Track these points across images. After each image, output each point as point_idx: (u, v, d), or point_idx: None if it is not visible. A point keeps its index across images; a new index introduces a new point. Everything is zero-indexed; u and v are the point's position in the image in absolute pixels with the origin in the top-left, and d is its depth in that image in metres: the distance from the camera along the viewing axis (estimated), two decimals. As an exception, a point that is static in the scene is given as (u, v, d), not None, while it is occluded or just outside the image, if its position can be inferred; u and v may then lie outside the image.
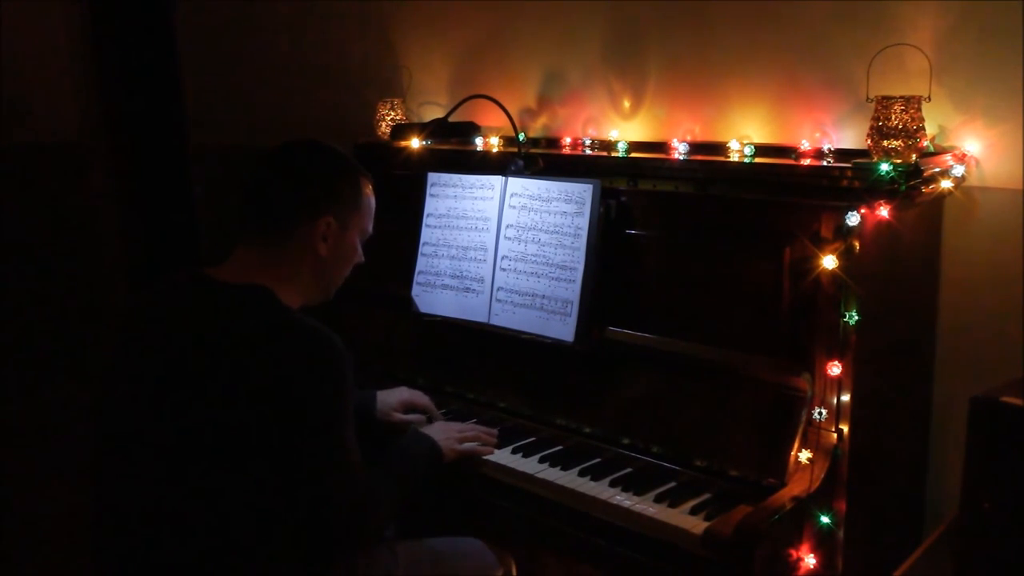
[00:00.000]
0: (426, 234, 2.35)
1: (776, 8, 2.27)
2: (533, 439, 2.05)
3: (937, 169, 1.92)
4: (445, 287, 2.29)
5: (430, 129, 2.60)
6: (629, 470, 1.89)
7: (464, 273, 2.26)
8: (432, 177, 2.37)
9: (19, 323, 4.23)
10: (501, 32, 2.86)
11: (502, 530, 1.97)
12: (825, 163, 2.01)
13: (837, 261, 1.71)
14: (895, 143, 1.83)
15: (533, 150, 2.40)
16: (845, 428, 1.74)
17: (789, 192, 1.91)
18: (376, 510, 1.63)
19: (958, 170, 1.98)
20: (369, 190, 1.80)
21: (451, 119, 2.53)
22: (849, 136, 2.17)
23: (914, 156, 1.84)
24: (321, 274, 1.73)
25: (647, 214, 2.06)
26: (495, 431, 2.04)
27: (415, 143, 2.55)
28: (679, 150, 2.23)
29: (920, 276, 2.07)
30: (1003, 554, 1.46)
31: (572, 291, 2.05)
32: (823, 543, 1.72)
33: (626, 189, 2.11)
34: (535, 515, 1.88)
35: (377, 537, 1.73)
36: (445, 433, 1.93)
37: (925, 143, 1.88)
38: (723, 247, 1.92)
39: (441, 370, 2.31)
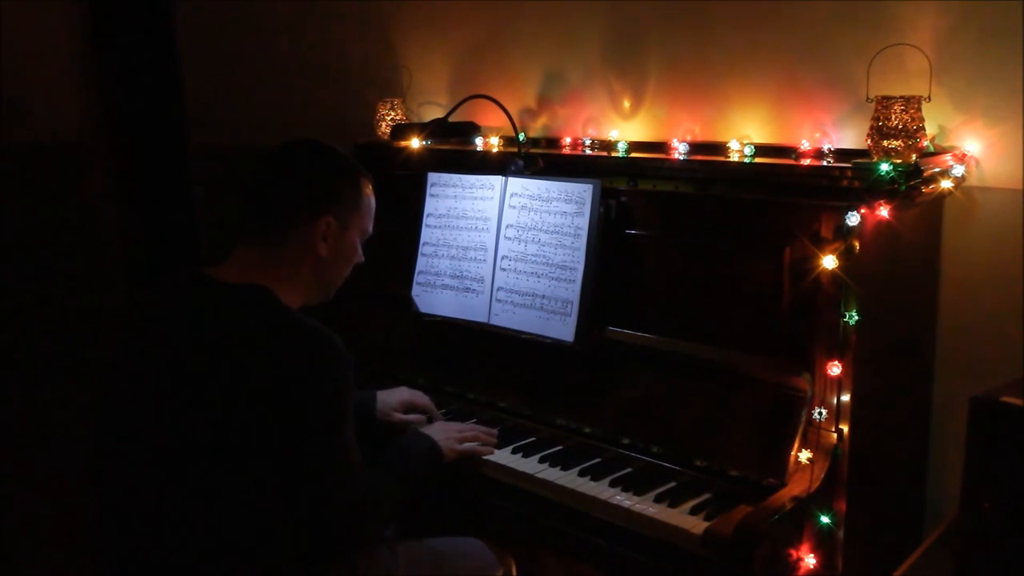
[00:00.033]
0: (426, 234, 2.35)
1: (776, 8, 2.27)
2: (533, 439, 2.05)
3: (937, 169, 1.92)
4: (445, 287, 2.29)
5: (430, 129, 2.60)
6: (629, 470, 1.89)
7: (464, 273, 2.26)
8: (432, 177, 2.37)
9: (19, 323, 4.23)
10: (501, 32, 2.86)
11: (502, 530, 1.97)
12: (825, 163, 2.01)
13: (837, 261, 1.71)
14: (895, 143, 1.83)
15: (533, 150, 2.40)
16: (845, 428, 1.74)
17: (789, 192, 1.91)
18: (376, 510, 1.63)
19: (958, 170, 1.98)
20: (369, 190, 1.80)
21: (451, 119, 2.53)
22: (849, 136, 2.17)
23: (914, 156, 1.84)
24: (321, 274, 1.73)
25: (647, 214, 2.05)
26: (495, 431, 2.04)
27: (415, 143, 2.55)
28: (679, 150, 2.23)
29: (920, 276, 2.07)
30: (1003, 554, 1.46)
31: (572, 291, 2.05)
32: (823, 543, 1.72)
33: (626, 189, 2.11)
34: (535, 515, 1.88)
35: (377, 537, 1.73)
36: (445, 433, 1.93)
37: (925, 143, 1.88)
38: (723, 247, 1.92)
39: (441, 370, 2.31)
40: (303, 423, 1.50)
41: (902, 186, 1.79)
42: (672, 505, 1.74)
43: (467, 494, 1.99)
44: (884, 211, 1.75)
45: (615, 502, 1.76)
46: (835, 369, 1.73)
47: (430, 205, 2.36)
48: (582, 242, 2.05)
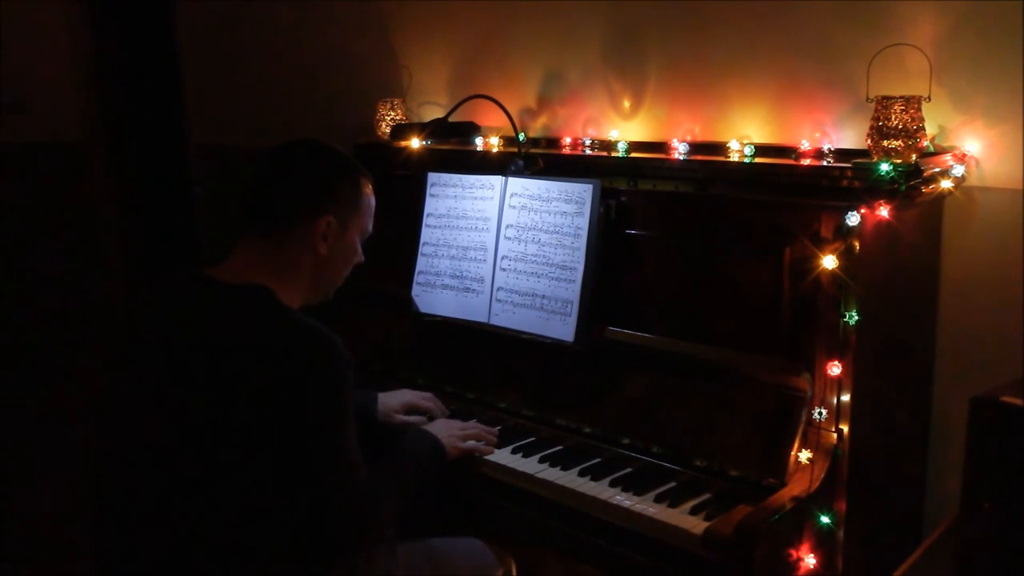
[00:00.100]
0: (426, 234, 2.35)
1: (776, 8, 2.27)
2: (533, 439, 2.05)
3: (937, 169, 1.92)
4: (445, 287, 2.29)
5: (430, 129, 2.60)
6: (629, 470, 1.89)
7: (464, 273, 2.26)
8: (432, 177, 2.37)
9: (19, 323, 4.23)
10: (501, 32, 2.86)
11: (502, 530, 1.97)
12: (825, 163, 2.01)
13: (837, 261, 1.71)
14: (895, 143, 1.83)
15: (533, 150, 2.40)
16: (845, 428, 1.74)
17: (789, 192, 1.91)
18: (377, 510, 1.62)
19: (958, 170, 1.98)
20: (369, 190, 1.80)
21: (451, 119, 2.53)
22: (849, 136, 2.17)
23: (914, 156, 1.84)
24: (321, 274, 1.73)
25: (647, 214, 2.05)
26: (495, 430, 2.04)
27: (415, 143, 2.55)
28: (679, 150, 2.23)
29: (920, 276, 2.07)
30: (1003, 554, 1.46)
31: (572, 291, 2.05)
32: (823, 543, 1.72)
33: (626, 189, 2.11)
34: (535, 515, 1.88)
35: (379, 537, 1.73)
36: (448, 430, 1.93)
37: (925, 143, 1.88)
38: (723, 247, 1.92)
39: (441, 370, 2.31)
40: (303, 423, 1.50)
41: (902, 186, 1.79)
42: (672, 505, 1.74)
43: (467, 494, 1.99)
44: (884, 211, 1.75)
45: (615, 502, 1.76)
46: (835, 369, 1.73)
47: (430, 205, 2.36)
48: (582, 242, 2.05)
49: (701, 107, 2.44)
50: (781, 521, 1.61)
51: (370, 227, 1.82)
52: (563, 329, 2.05)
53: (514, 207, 2.20)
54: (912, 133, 1.83)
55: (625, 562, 1.74)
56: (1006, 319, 1.99)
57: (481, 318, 2.22)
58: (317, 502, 1.52)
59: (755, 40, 2.31)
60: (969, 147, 2.02)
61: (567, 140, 2.58)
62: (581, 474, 1.88)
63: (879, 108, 1.85)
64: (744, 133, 2.34)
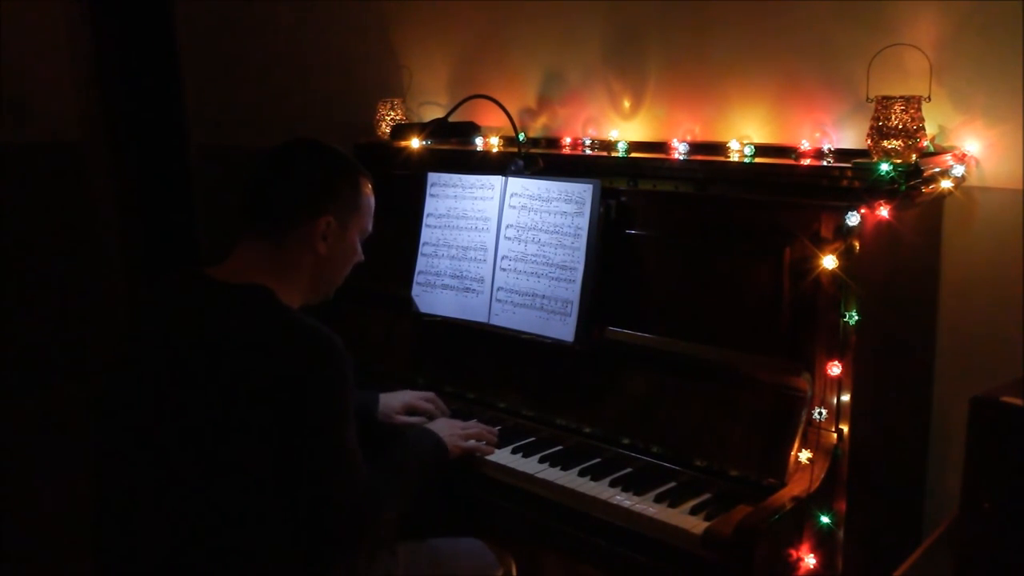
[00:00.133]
0: (426, 234, 2.35)
1: (776, 8, 2.27)
2: (533, 439, 2.05)
3: (937, 169, 1.92)
4: (445, 287, 2.29)
5: (430, 129, 2.60)
6: (629, 470, 1.89)
7: (464, 273, 2.26)
8: (432, 177, 2.37)
9: (19, 323, 4.23)
10: (501, 32, 2.86)
11: (502, 530, 1.97)
12: (825, 163, 2.01)
13: (837, 261, 1.71)
14: (895, 143, 1.83)
15: (533, 150, 2.40)
16: (845, 428, 1.74)
17: (789, 192, 1.91)
18: (378, 509, 1.62)
19: (958, 170, 1.98)
20: (369, 190, 1.80)
21: (451, 119, 2.53)
22: (849, 136, 2.17)
23: (914, 156, 1.84)
24: (321, 273, 1.73)
25: (647, 214, 2.05)
26: (495, 430, 2.04)
27: (415, 143, 2.55)
28: (679, 150, 2.23)
29: (920, 276, 2.07)
30: (1003, 554, 1.46)
31: (572, 291, 2.05)
32: (823, 543, 1.72)
33: (626, 189, 2.11)
34: (535, 515, 1.88)
35: (381, 536, 1.73)
36: (450, 429, 1.93)
37: (925, 143, 1.88)
38: (723, 247, 1.92)
39: (441, 370, 2.31)
40: (303, 422, 1.50)
41: (902, 186, 1.79)
42: (672, 505, 1.74)
43: (467, 494, 1.99)
44: (884, 211, 1.75)
45: (615, 502, 1.76)
46: (835, 369, 1.73)
47: (430, 205, 2.36)
48: (582, 242, 2.05)
49: (701, 107, 2.44)
50: (781, 521, 1.61)
51: (370, 227, 1.82)
52: (563, 329, 2.05)
53: (514, 207, 2.20)
54: (912, 133, 1.83)
55: (625, 562, 1.74)
56: (1006, 319, 1.99)
57: (481, 318, 2.22)
58: (318, 502, 1.52)
59: (755, 40, 2.31)
60: (969, 147, 2.02)
61: (567, 140, 2.58)
62: (581, 474, 1.88)
63: (879, 108, 1.85)
64: (744, 133, 2.34)
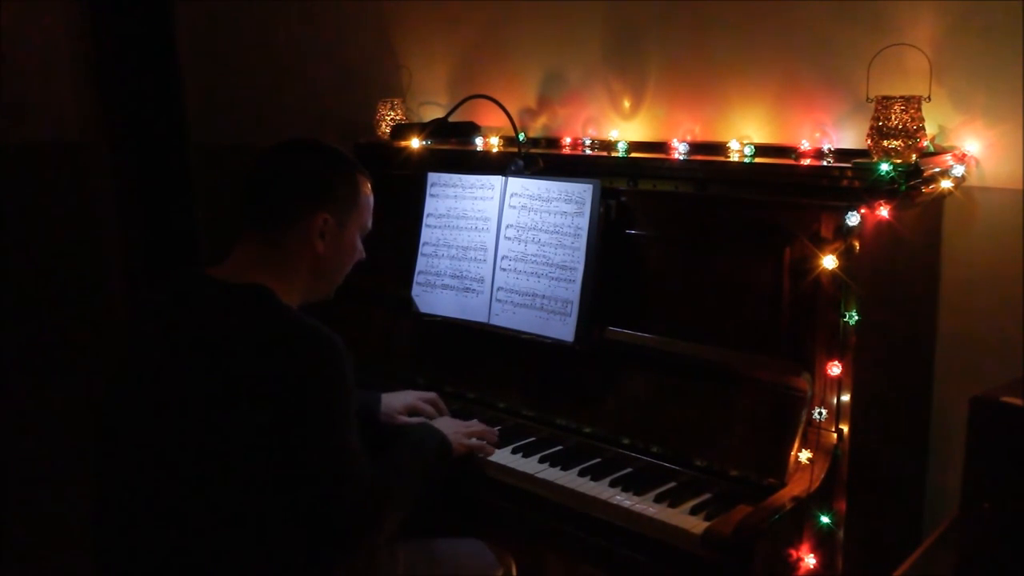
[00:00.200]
0: (426, 234, 2.35)
1: (776, 8, 2.27)
2: (533, 439, 2.05)
3: (937, 169, 1.92)
4: (445, 287, 2.29)
5: (430, 129, 2.60)
6: (629, 470, 1.89)
7: (464, 273, 2.26)
8: (432, 177, 2.37)
9: (19, 323, 4.23)
10: (501, 32, 2.86)
11: (502, 530, 1.97)
12: (825, 163, 2.00)
13: (837, 261, 1.71)
14: (895, 143, 1.83)
15: (533, 150, 2.40)
16: (845, 428, 1.74)
17: (789, 192, 1.91)
18: (382, 507, 1.61)
19: (958, 170, 1.98)
20: (367, 187, 1.80)
21: (451, 119, 2.53)
22: (849, 136, 2.17)
23: (914, 156, 1.84)
24: (320, 272, 1.73)
25: (647, 214, 2.05)
26: (496, 430, 2.04)
27: (415, 143, 2.55)
28: (679, 150, 2.23)
29: (920, 276, 2.07)
30: (1003, 554, 1.46)
31: (572, 291, 2.05)
32: (823, 543, 1.72)
33: (626, 189, 2.11)
34: (535, 515, 1.88)
35: (385, 534, 1.70)
36: (453, 427, 1.93)
37: (925, 143, 1.88)
38: (723, 247, 1.92)
39: (441, 370, 2.31)
40: (304, 422, 1.50)
41: (902, 186, 1.79)
42: (672, 505, 1.74)
43: (467, 494, 1.99)
44: (884, 211, 1.75)
45: (615, 502, 1.76)
46: (835, 369, 1.73)
47: (430, 205, 2.36)
48: (582, 242, 2.05)
49: (701, 107, 2.44)
50: (781, 521, 1.61)
51: (369, 224, 1.82)
52: (563, 329, 2.05)
53: (514, 207, 2.19)
54: (912, 133, 1.83)
55: (625, 562, 1.74)
56: (1006, 319, 1.99)
57: (481, 318, 2.22)
58: (321, 502, 1.52)
59: (755, 40, 2.31)
60: (969, 147, 2.02)
61: (567, 140, 2.58)
62: (581, 474, 1.88)
63: (879, 108, 1.85)
64: (744, 133, 2.34)
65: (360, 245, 1.80)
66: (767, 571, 1.60)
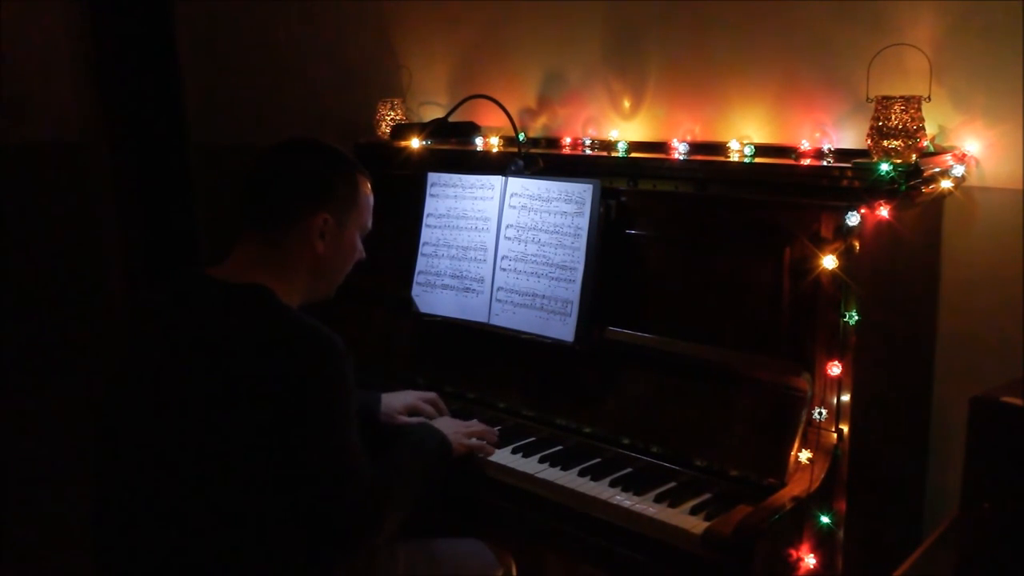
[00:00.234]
0: (426, 234, 2.35)
1: (776, 8, 2.27)
2: (533, 439, 2.05)
3: (937, 169, 1.92)
4: (445, 287, 2.29)
5: (430, 129, 2.60)
6: (629, 470, 1.89)
7: (464, 273, 2.26)
8: (432, 177, 2.37)
9: (19, 323, 4.23)
10: (501, 32, 2.86)
11: (502, 530, 1.97)
12: (825, 163, 2.01)
13: (837, 261, 1.71)
14: (895, 143, 1.83)
15: (533, 150, 2.40)
16: (845, 428, 1.74)
17: (789, 192, 1.91)
18: (384, 508, 1.61)
19: (958, 170, 1.98)
20: (367, 187, 1.80)
21: (451, 119, 2.53)
22: (849, 136, 2.17)
23: (914, 156, 1.84)
24: (320, 271, 1.73)
25: (647, 214, 2.05)
26: (496, 430, 2.04)
27: (415, 143, 2.55)
28: (679, 150, 2.23)
29: (920, 276, 2.07)
30: (1003, 554, 1.46)
31: (572, 291, 2.05)
32: (823, 543, 1.72)
33: (626, 189, 2.11)
34: (535, 515, 1.88)
35: (387, 533, 1.70)
36: (454, 427, 1.93)
37: (925, 143, 1.88)
38: (723, 247, 1.92)
39: (441, 370, 2.31)
40: (304, 422, 1.50)
41: (902, 186, 1.79)
42: (672, 505, 1.74)
43: (467, 494, 1.99)
44: (884, 211, 1.75)
45: (615, 502, 1.76)
46: (835, 369, 1.73)
47: (430, 205, 2.36)
48: (582, 242, 2.05)
49: (701, 107, 2.44)
50: (781, 521, 1.61)
51: (369, 223, 1.82)
52: (563, 329, 2.05)
53: (514, 207, 2.20)
54: (912, 133, 1.83)
55: (625, 562, 1.74)
56: (1006, 319, 1.99)
57: (481, 318, 2.22)
58: (320, 502, 1.52)
59: (755, 40, 2.31)
60: (969, 147, 2.02)
61: (567, 140, 2.58)
62: (581, 474, 1.88)
63: (879, 108, 1.85)
64: (744, 133, 2.34)
65: (360, 245, 1.80)
66: (767, 571, 1.60)
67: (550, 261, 2.10)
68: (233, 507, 1.48)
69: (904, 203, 1.82)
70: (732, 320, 1.89)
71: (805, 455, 1.72)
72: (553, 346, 2.07)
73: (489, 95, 2.39)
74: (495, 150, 2.54)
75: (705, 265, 1.95)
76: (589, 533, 1.79)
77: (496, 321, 2.19)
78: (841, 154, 2.05)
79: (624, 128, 2.58)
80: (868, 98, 1.91)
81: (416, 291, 2.34)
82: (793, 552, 1.69)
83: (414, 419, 2.07)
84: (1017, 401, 1.41)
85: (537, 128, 2.77)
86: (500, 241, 2.21)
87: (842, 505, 1.74)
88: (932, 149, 2.00)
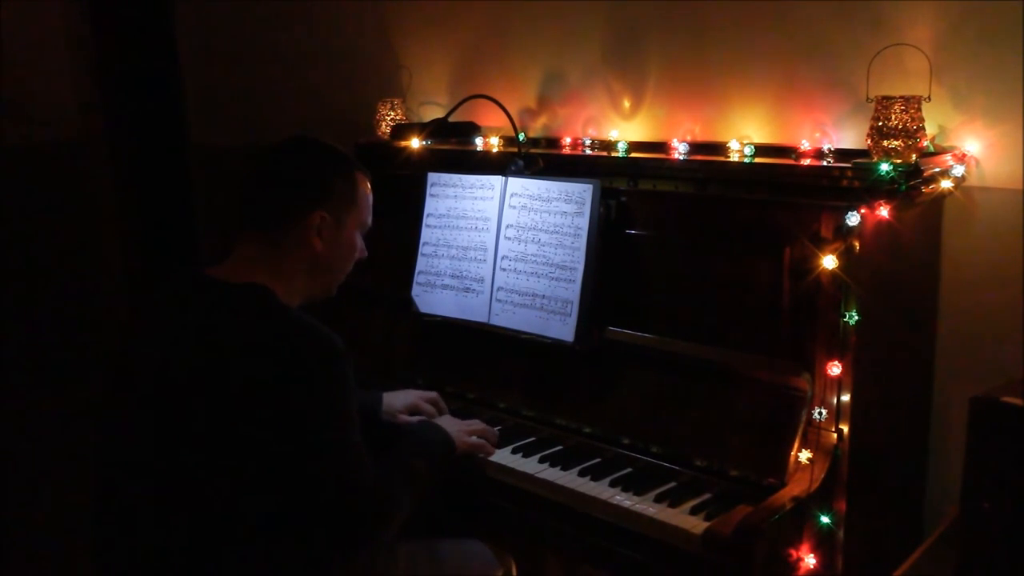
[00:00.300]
0: (426, 234, 2.35)
1: (776, 8, 2.27)
2: (533, 439, 2.05)
3: (937, 169, 1.92)
4: (445, 287, 2.29)
5: (430, 129, 2.60)
6: (629, 470, 1.89)
7: (464, 273, 2.26)
8: (432, 177, 2.37)
9: (19, 324, 4.23)
10: (501, 32, 2.86)
11: (502, 530, 1.97)
12: (825, 163, 2.00)
13: (837, 261, 1.71)
14: (895, 143, 1.83)
15: (533, 150, 2.40)
16: (845, 428, 1.74)
17: (789, 192, 1.91)
18: (387, 507, 1.60)
19: (958, 170, 1.98)
20: (366, 184, 1.79)
21: (451, 119, 2.53)
22: (849, 136, 2.17)
23: (914, 156, 1.84)
24: (320, 270, 1.72)
25: (647, 214, 2.06)
26: (496, 430, 2.04)
27: (415, 143, 2.55)
28: (679, 150, 2.23)
29: (920, 276, 2.07)
30: (1003, 554, 1.46)
31: (572, 291, 2.05)
32: (823, 543, 1.72)
33: (626, 189, 2.11)
34: (535, 515, 1.88)
35: (391, 531, 1.69)
36: (454, 427, 1.93)
37: (925, 143, 1.88)
38: (723, 247, 1.92)
39: (441, 370, 2.31)
40: (304, 422, 1.49)
41: (902, 186, 1.79)
42: (672, 505, 1.74)
43: (467, 494, 1.99)
44: (884, 211, 1.75)
45: (615, 502, 1.76)
46: (835, 369, 1.73)
47: (430, 205, 2.36)
48: (582, 242, 2.05)
49: (701, 107, 2.44)
50: (781, 521, 1.61)
51: (369, 221, 1.81)
52: (563, 329, 2.05)
53: (514, 207, 2.20)
54: (912, 133, 1.83)
55: (625, 562, 1.74)
56: (1006, 319, 1.99)
57: (481, 318, 2.22)
58: (323, 502, 1.51)
59: (755, 40, 2.31)
60: (969, 147, 2.02)
61: (567, 140, 2.58)
62: (581, 474, 1.88)
63: (879, 108, 1.85)
64: (744, 133, 2.34)
65: (361, 243, 1.80)
66: (767, 571, 1.60)
67: (550, 261, 2.10)
68: (234, 507, 1.48)
69: (904, 203, 1.82)
70: (732, 320, 1.89)
71: (805, 455, 1.72)
72: (553, 346, 2.07)
73: (489, 95, 2.39)
74: (495, 150, 2.54)
75: (705, 265, 1.95)
76: (589, 533, 1.79)
77: (496, 321, 2.19)
78: (841, 154, 2.05)
79: (624, 128, 2.58)
80: (868, 98, 1.91)
81: (416, 291, 2.34)
82: (793, 552, 1.68)
83: (416, 418, 2.07)
84: (1017, 401, 1.41)
85: (537, 128, 2.77)
86: (500, 241, 2.21)
87: (842, 505, 1.74)
88: (932, 149, 2.00)
